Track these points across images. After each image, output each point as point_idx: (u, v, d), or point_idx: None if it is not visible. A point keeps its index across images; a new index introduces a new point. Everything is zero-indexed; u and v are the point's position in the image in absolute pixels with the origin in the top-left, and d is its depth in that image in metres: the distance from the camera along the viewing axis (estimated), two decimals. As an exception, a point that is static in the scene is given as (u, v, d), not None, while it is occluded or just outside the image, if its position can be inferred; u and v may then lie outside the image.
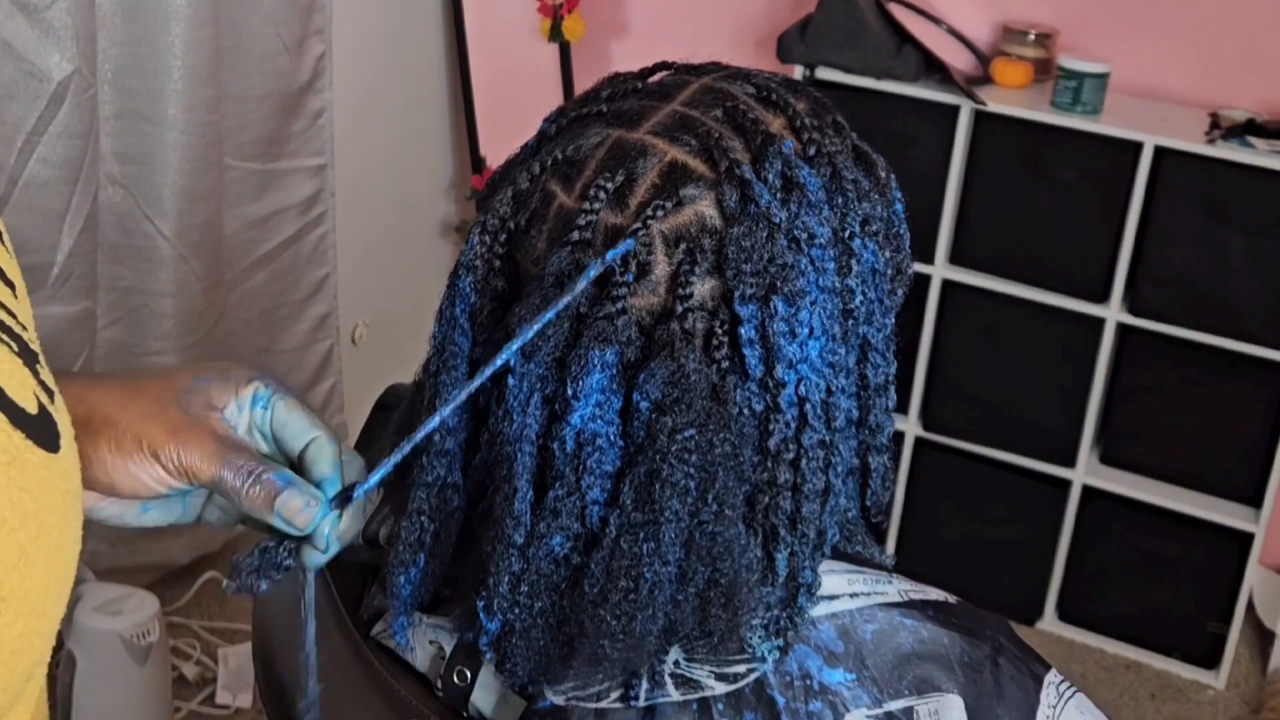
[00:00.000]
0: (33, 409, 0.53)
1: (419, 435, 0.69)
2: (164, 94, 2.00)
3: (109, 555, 2.21)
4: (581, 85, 2.78)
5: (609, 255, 0.68)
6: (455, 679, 0.76)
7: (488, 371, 0.68)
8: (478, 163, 2.92)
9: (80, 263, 1.90)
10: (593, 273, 0.67)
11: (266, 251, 2.34)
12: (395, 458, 0.69)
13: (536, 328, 0.67)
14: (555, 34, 2.74)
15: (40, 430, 0.52)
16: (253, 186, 2.26)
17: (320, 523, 0.68)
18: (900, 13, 2.48)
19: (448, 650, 0.76)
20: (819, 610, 0.75)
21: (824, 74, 2.43)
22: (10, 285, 0.58)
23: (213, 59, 2.05)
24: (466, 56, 2.86)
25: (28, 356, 0.55)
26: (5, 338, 0.54)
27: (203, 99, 2.04)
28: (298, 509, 0.68)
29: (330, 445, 0.72)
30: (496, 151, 2.92)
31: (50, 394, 0.55)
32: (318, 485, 0.70)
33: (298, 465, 0.73)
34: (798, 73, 2.44)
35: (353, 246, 2.61)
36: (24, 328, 0.57)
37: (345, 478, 0.72)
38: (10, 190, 1.79)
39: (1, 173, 1.77)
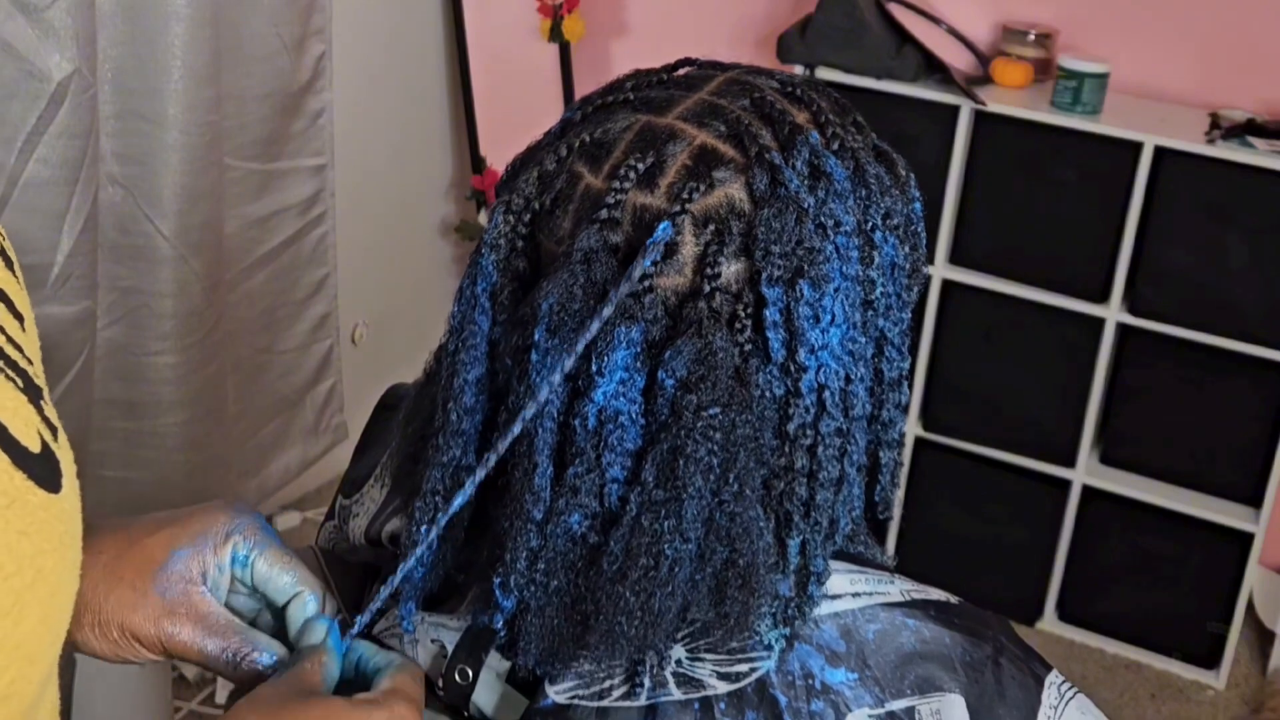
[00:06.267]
0: (35, 447, 0.52)
1: (398, 576, 0.71)
2: (164, 94, 1.99)
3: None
4: (581, 85, 2.79)
5: (650, 240, 0.68)
6: (456, 678, 0.76)
7: (528, 412, 0.68)
8: (478, 163, 2.92)
9: (80, 263, 1.90)
10: (643, 267, 0.68)
11: (266, 251, 2.34)
12: (377, 603, 0.71)
13: (596, 326, 0.67)
14: (555, 34, 2.74)
15: (43, 470, 0.52)
16: (253, 186, 2.26)
17: None
18: (900, 13, 2.48)
19: (449, 649, 0.76)
20: (821, 610, 0.75)
21: (824, 74, 2.43)
22: (19, 318, 0.58)
23: (213, 59, 2.05)
24: (466, 56, 2.86)
25: (33, 392, 0.55)
26: (10, 373, 0.53)
27: (203, 99, 2.04)
28: None
29: (311, 605, 0.75)
30: (496, 151, 2.92)
31: (54, 431, 0.55)
32: (298, 645, 0.73)
33: (281, 618, 0.75)
34: (798, 73, 2.44)
35: (353, 246, 2.61)
36: (30, 362, 0.56)
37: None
38: (10, 190, 1.78)
39: (1, 173, 1.77)
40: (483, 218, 2.98)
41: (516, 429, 0.68)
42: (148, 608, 0.71)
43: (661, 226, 0.68)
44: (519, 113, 2.85)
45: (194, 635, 0.71)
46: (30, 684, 0.50)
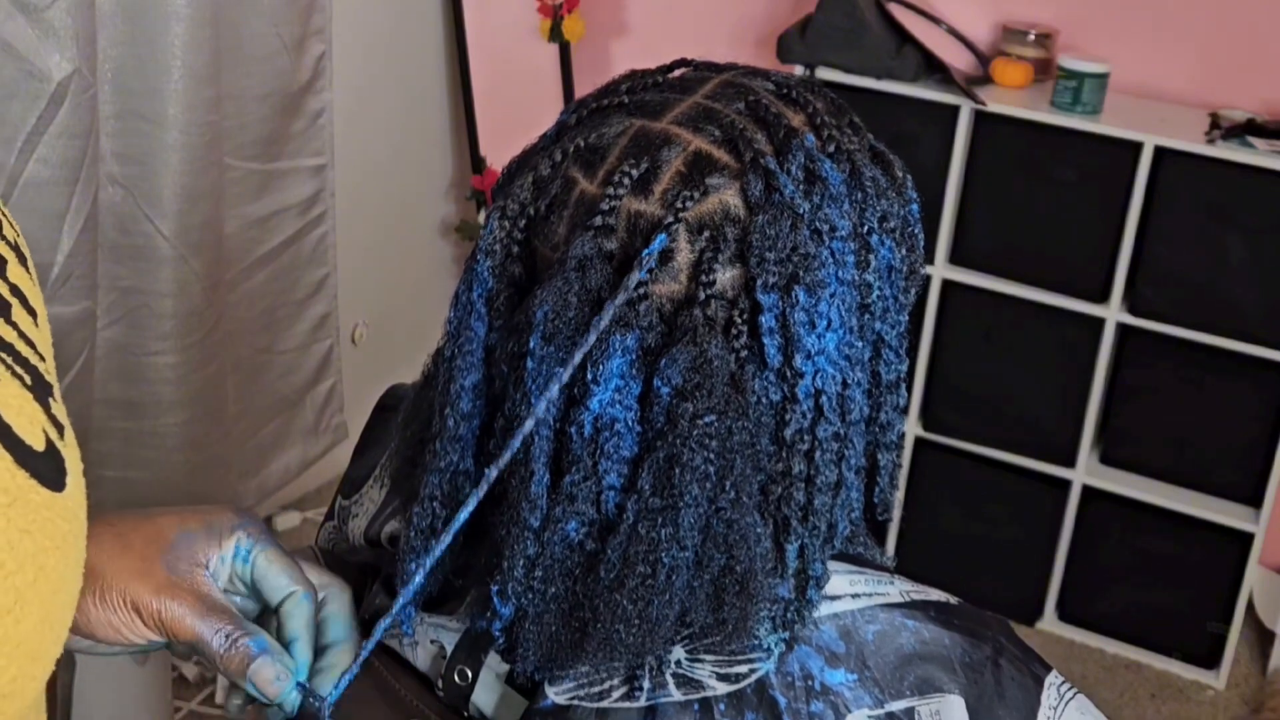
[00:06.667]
0: (40, 446, 0.52)
1: (396, 609, 0.71)
2: (164, 94, 1.99)
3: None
4: (581, 85, 2.79)
5: (646, 252, 0.68)
6: (456, 678, 0.76)
7: (525, 427, 0.68)
8: (478, 163, 2.92)
9: (80, 263, 1.90)
10: (640, 276, 0.67)
11: (266, 251, 2.34)
12: (375, 638, 0.71)
13: (593, 336, 0.67)
14: (555, 34, 2.74)
15: (46, 468, 0.52)
16: (253, 186, 2.26)
17: (288, 695, 0.72)
18: (900, 13, 2.48)
19: (449, 649, 0.76)
20: (821, 611, 0.75)
21: (824, 74, 2.43)
22: (32, 314, 0.58)
23: (213, 59, 2.05)
24: (466, 56, 2.86)
25: (41, 389, 0.55)
26: (19, 369, 0.53)
27: (203, 99, 2.04)
28: (269, 679, 0.71)
29: (305, 603, 0.75)
30: (496, 151, 2.92)
31: (60, 429, 0.55)
32: (291, 642, 0.74)
33: (274, 617, 0.75)
34: (798, 73, 2.44)
35: (353, 246, 2.61)
36: (42, 358, 0.56)
37: (328, 633, 0.75)
38: (10, 190, 1.78)
39: (1, 173, 1.77)
40: (483, 218, 2.98)
41: (516, 442, 0.68)
42: (152, 577, 0.71)
43: (658, 239, 0.68)
44: (519, 113, 2.85)
45: (191, 612, 0.71)
46: (32, 681, 0.50)
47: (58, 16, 1.74)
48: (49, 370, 0.57)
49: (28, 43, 1.73)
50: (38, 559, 0.50)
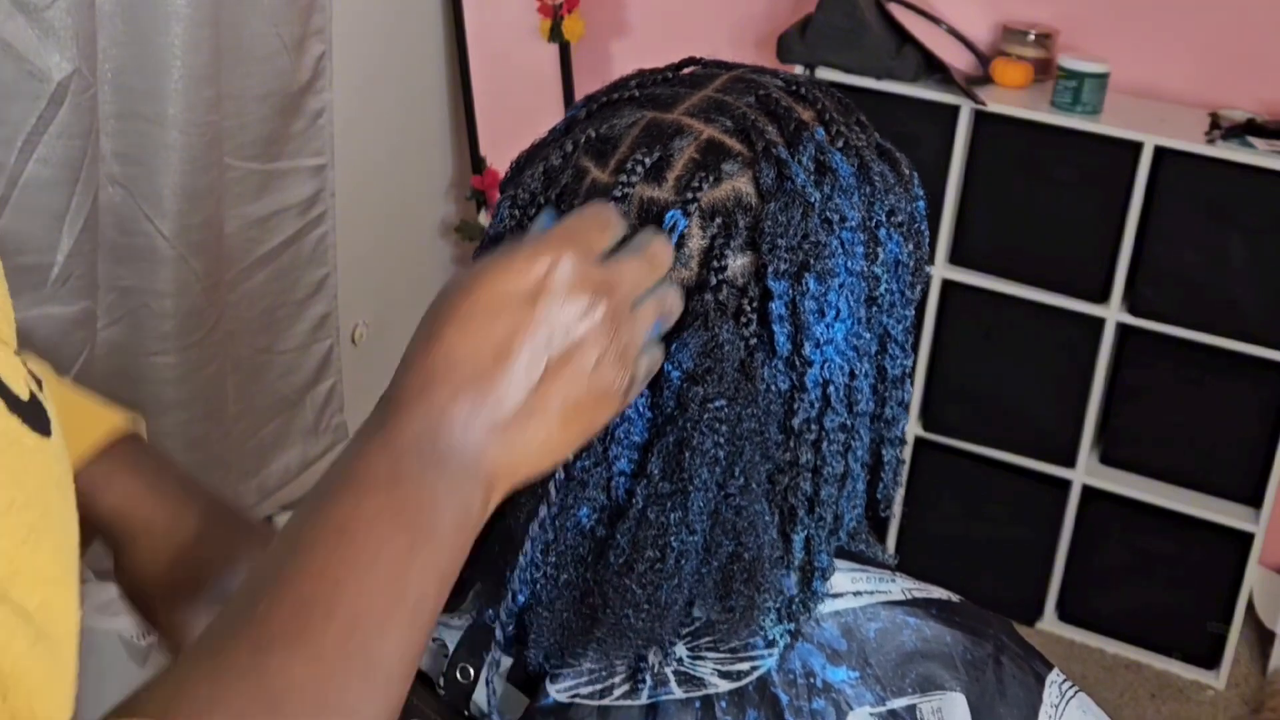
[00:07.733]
0: (25, 395, 0.54)
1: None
2: (164, 94, 1.99)
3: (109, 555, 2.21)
4: (581, 85, 2.79)
5: (664, 228, 0.68)
6: (458, 676, 0.76)
7: None
8: (478, 163, 2.92)
9: (80, 263, 1.90)
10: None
11: (266, 251, 2.34)
12: None
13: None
14: (555, 34, 2.74)
15: (34, 415, 0.53)
16: (253, 186, 2.26)
17: None
18: (900, 13, 2.48)
19: (450, 647, 0.76)
20: (823, 608, 0.75)
21: (824, 74, 2.43)
22: None
23: (213, 59, 2.05)
24: (466, 56, 2.86)
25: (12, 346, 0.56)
26: None
27: (203, 99, 2.04)
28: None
29: None
30: (496, 151, 2.92)
31: (39, 382, 0.56)
32: None
33: None
34: (798, 72, 2.44)
35: (353, 246, 2.61)
36: (6, 318, 0.58)
37: None
38: (10, 190, 1.78)
39: (1, 173, 1.77)
40: (483, 218, 2.98)
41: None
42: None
43: (670, 214, 0.68)
44: (519, 113, 2.85)
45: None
46: (60, 602, 0.51)
47: (58, 16, 1.75)
48: (12, 337, 0.58)
49: (28, 43, 1.73)
50: (42, 496, 0.51)
